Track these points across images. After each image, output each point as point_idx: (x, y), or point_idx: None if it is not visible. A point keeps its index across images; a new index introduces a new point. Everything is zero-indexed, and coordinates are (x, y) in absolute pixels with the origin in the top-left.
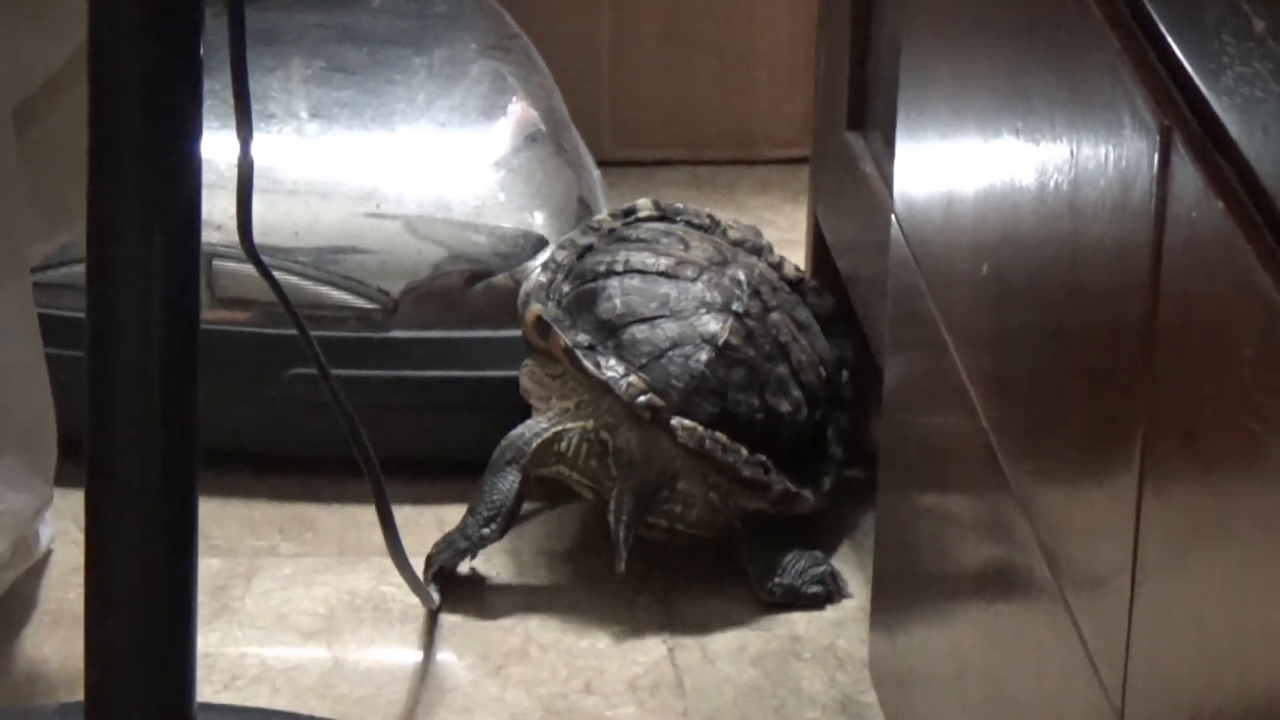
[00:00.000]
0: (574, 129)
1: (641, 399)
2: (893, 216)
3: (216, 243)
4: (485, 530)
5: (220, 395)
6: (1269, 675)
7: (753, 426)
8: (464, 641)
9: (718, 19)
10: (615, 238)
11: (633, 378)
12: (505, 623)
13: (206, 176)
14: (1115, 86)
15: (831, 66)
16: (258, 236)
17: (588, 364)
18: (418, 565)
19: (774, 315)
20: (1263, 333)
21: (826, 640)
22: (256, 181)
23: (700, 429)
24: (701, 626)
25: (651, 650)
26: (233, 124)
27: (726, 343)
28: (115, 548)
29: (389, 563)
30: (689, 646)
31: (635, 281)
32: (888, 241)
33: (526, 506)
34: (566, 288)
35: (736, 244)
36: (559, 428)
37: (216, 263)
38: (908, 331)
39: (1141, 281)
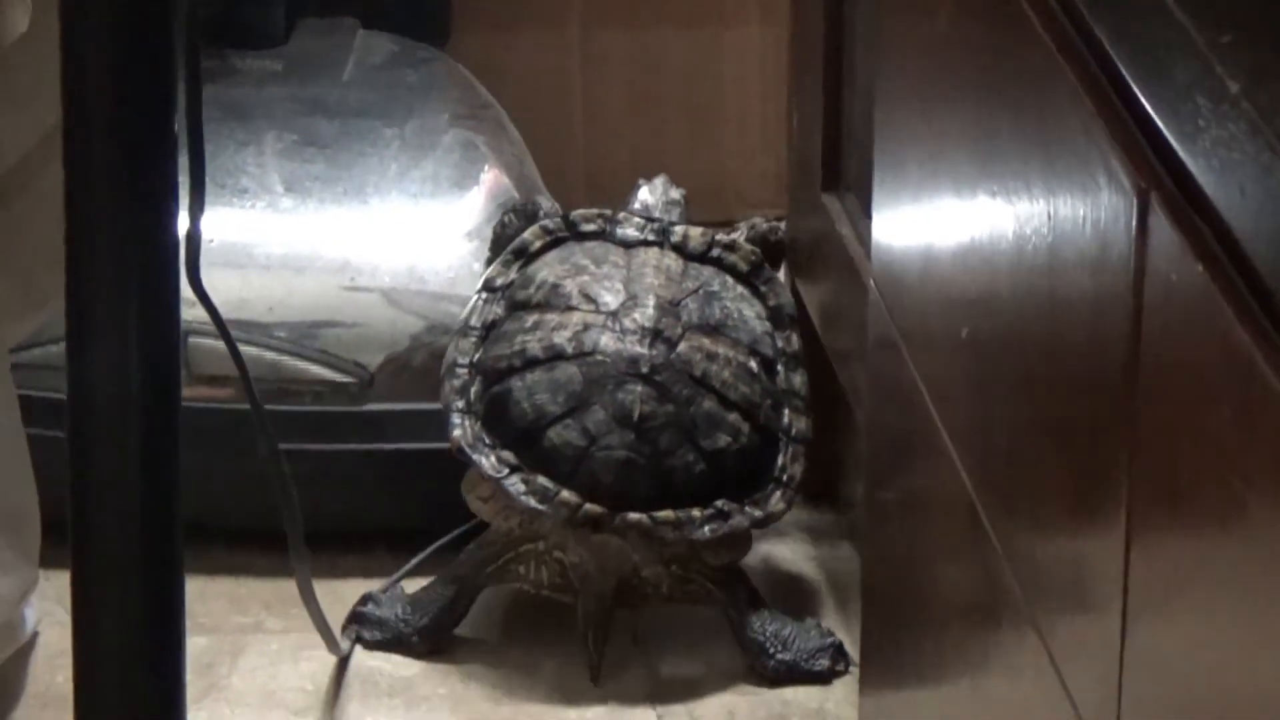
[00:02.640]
0: (548, 195)
1: (580, 513)
2: (870, 278)
3: (192, 320)
4: (416, 639)
5: (201, 472)
6: None
7: (695, 479)
8: (454, 712)
9: (688, 80)
10: (513, 303)
11: (564, 494)
12: (495, 693)
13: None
14: (1091, 148)
15: (805, 127)
16: (233, 312)
17: (514, 493)
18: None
19: (681, 348)
20: (1242, 393)
21: (815, 704)
22: (231, 257)
23: (645, 519)
24: (690, 692)
25: (641, 718)
26: (208, 200)
27: (641, 415)
28: (101, 628)
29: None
30: (678, 713)
31: (536, 375)
32: (865, 302)
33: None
34: (478, 388)
35: (637, 241)
36: (513, 553)
37: (192, 340)
38: (887, 391)
39: (1121, 342)
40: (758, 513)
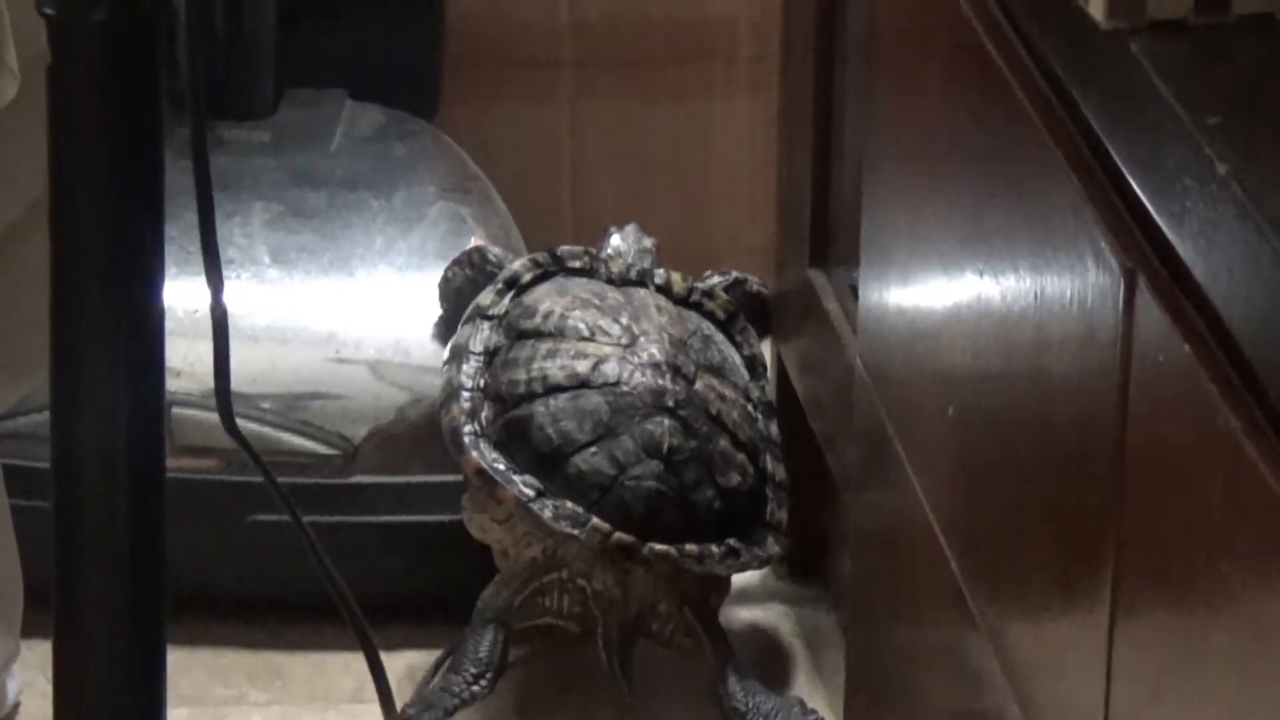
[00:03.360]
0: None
1: (612, 540)
2: (856, 354)
3: (175, 390)
4: (475, 688)
5: (183, 543)
6: None
7: (714, 516)
8: None
9: (676, 154)
10: (516, 331)
11: (595, 520)
12: None
13: (166, 324)
14: (1079, 228)
15: (793, 202)
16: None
17: (545, 517)
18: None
19: (698, 385)
20: (1230, 474)
21: None
22: None
23: (672, 551)
24: None
25: None
26: (192, 270)
27: (670, 447)
28: (84, 699)
29: (359, 709)
30: None
31: (560, 402)
32: (851, 379)
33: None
34: (489, 413)
35: (623, 274)
36: (537, 583)
37: (176, 410)
38: (873, 469)
39: (1108, 422)
40: (761, 553)
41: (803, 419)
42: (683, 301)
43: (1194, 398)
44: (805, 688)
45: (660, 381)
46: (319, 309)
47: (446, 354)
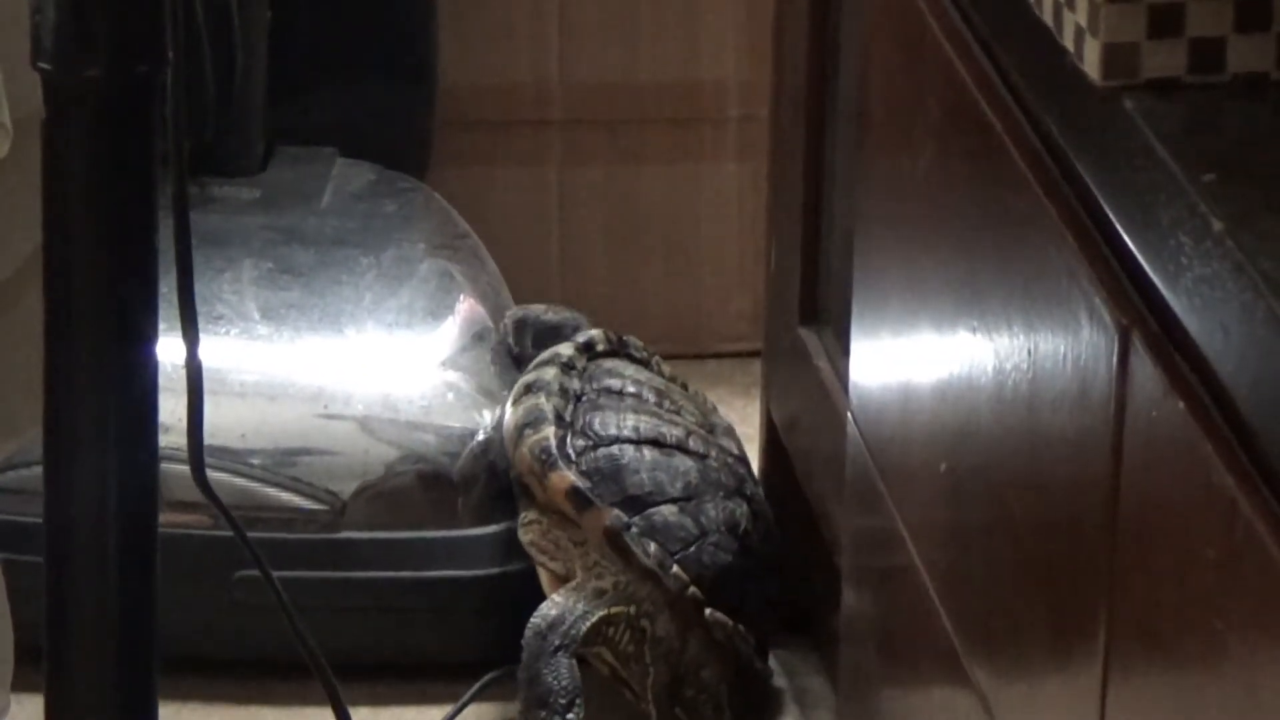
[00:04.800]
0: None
1: (689, 591)
2: (848, 413)
3: (164, 446)
4: (570, 715)
5: (170, 599)
6: None
7: (757, 613)
8: None
9: (665, 217)
10: (599, 385)
11: (676, 569)
12: None
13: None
14: (1073, 286)
15: (783, 261)
16: (205, 438)
17: (636, 550)
18: None
19: (759, 490)
20: (1224, 533)
21: None
22: (205, 383)
23: (730, 623)
24: None
25: None
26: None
27: (745, 530)
28: None
29: None
30: None
31: (655, 455)
32: (843, 438)
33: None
34: (580, 444)
35: (671, 379)
36: (605, 612)
37: (164, 465)
38: (864, 528)
39: (1101, 480)
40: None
41: (793, 478)
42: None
43: (1188, 455)
44: None
45: (740, 471)
46: (308, 365)
47: (520, 388)
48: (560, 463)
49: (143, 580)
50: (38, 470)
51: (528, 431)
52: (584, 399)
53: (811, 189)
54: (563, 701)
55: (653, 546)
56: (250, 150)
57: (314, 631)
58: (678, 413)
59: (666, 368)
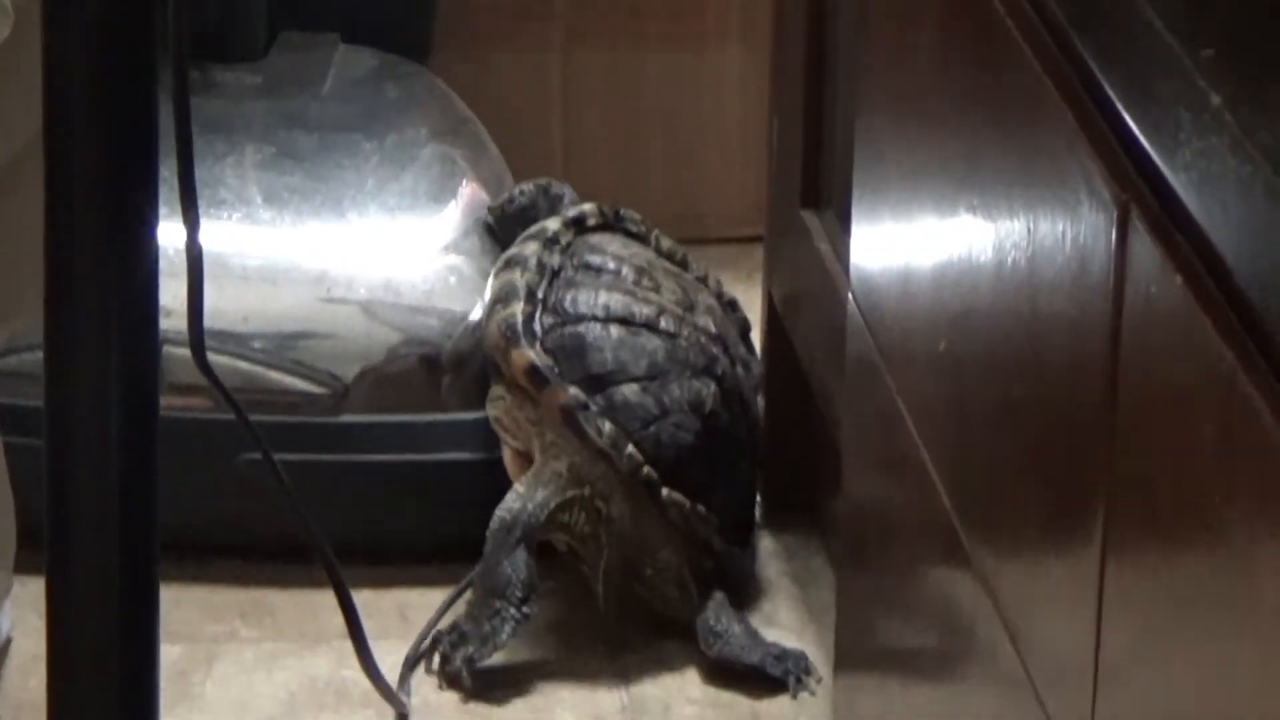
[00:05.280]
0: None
1: (642, 472)
2: (849, 294)
3: (167, 329)
4: (525, 609)
5: (174, 481)
6: None
7: (722, 494)
8: None
9: (668, 100)
10: (579, 262)
11: (631, 449)
12: (469, 706)
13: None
14: (1072, 162)
15: (785, 144)
16: (208, 322)
17: (589, 430)
18: (379, 654)
19: (738, 369)
20: (1222, 407)
21: (788, 718)
22: (208, 268)
23: (688, 504)
24: (663, 706)
25: None
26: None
27: (711, 411)
28: (76, 636)
29: (349, 646)
30: None
31: (621, 333)
32: (844, 319)
33: None
34: (548, 321)
35: (669, 254)
36: (561, 499)
37: (166, 349)
38: (865, 409)
39: (1100, 357)
40: (745, 550)
41: (793, 359)
42: (715, 298)
43: (1187, 332)
44: (795, 627)
45: (713, 350)
46: (311, 249)
47: (501, 263)
48: (523, 340)
49: (144, 463)
50: (39, 354)
51: (498, 307)
52: (561, 275)
53: (813, 71)
54: (519, 595)
55: (608, 426)
56: (252, 35)
57: (316, 515)
58: (655, 290)
59: (667, 241)
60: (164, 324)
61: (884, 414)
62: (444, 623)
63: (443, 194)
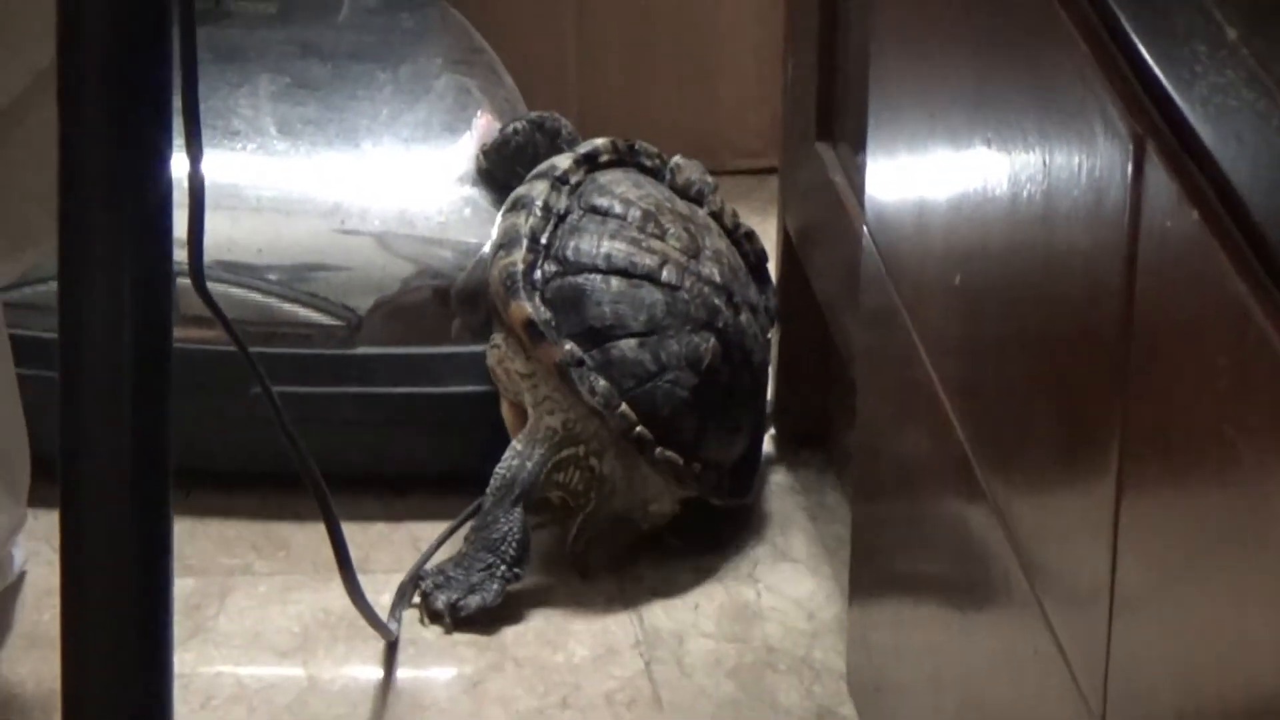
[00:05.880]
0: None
1: (634, 431)
2: (864, 227)
3: (178, 261)
4: (518, 569)
5: (188, 413)
6: (1247, 681)
7: (720, 446)
8: (439, 658)
9: (682, 30)
10: (586, 204)
11: (623, 408)
12: (480, 639)
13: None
14: (1087, 96)
15: (800, 77)
16: (222, 254)
17: (581, 389)
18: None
19: (743, 317)
20: (1237, 340)
21: (802, 652)
22: (221, 199)
23: (681, 461)
24: (677, 639)
25: (628, 664)
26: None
27: (710, 366)
28: (90, 568)
29: (363, 579)
30: (665, 660)
31: (621, 285)
32: (859, 253)
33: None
34: (550, 269)
35: (683, 189)
36: (557, 457)
37: (181, 281)
38: (880, 343)
39: (1115, 290)
40: (747, 500)
41: (808, 292)
42: (728, 234)
43: (1202, 265)
44: (809, 561)
45: (716, 301)
46: (325, 180)
47: (508, 203)
48: (522, 292)
49: (157, 396)
50: (53, 285)
51: (501, 253)
52: (567, 219)
53: (828, 3)
54: (512, 553)
55: (601, 384)
56: None
57: (331, 446)
58: (660, 237)
59: (684, 174)
60: (179, 255)
61: (899, 348)
62: (440, 556)
63: (457, 125)
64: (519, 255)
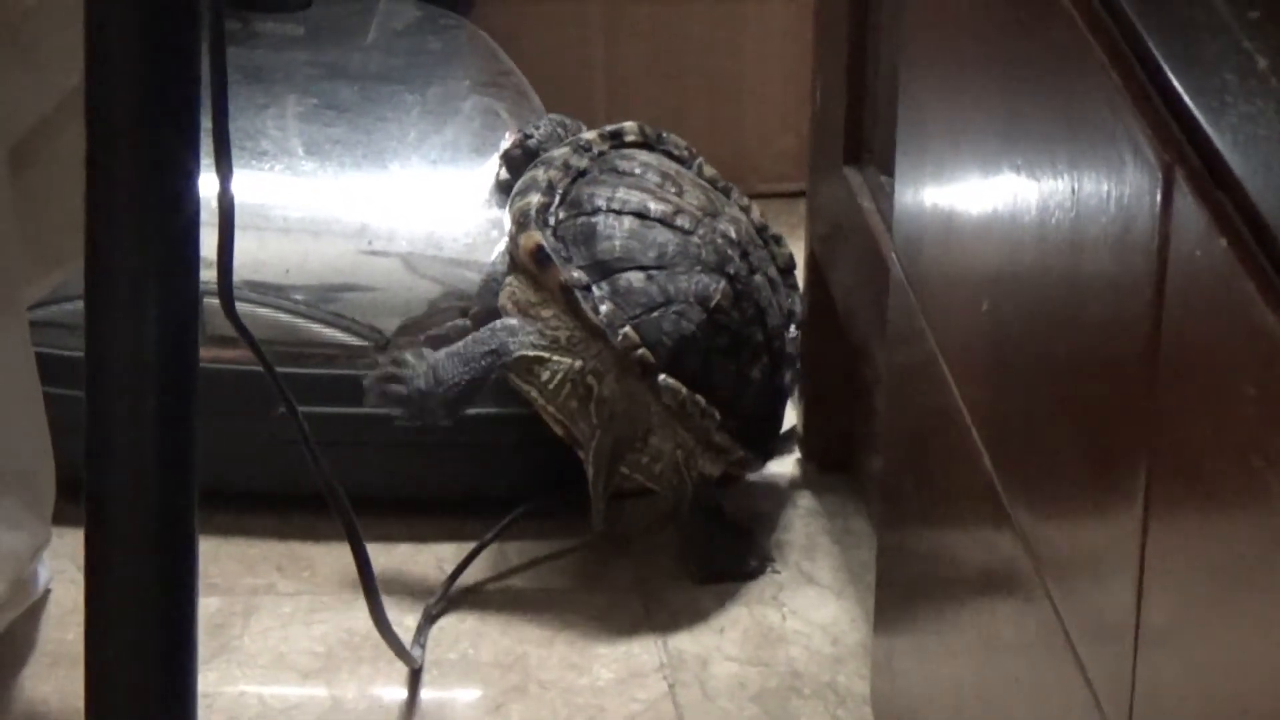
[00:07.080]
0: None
1: (636, 353)
2: (891, 252)
3: (207, 281)
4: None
5: (214, 433)
6: (1275, 714)
7: (727, 391)
8: (463, 680)
9: (710, 53)
10: (607, 166)
11: (628, 329)
12: (504, 660)
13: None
14: (1116, 123)
15: (828, 101)
16: (249, 274)
17: (585, 307)
18: (416, 609)
19: (757, 277)
20: (1265, 370)
21: (827, 677)
22: (249, 220)
23: (683, 390)
24: (701, 663)
25: (652, 687)
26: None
27: (717, 305)
28: (114, 587)
29: (386, 600)
30: (689, 683)
31: (634, 224)
32: (886, 277)
33: (523, 545)
34: (563, 214)
35: (711, 181)
36: (546, 355)
37: (206, 301)
38: (906, 367)
39: (1143, 318)
40: (751, 456)
41: (834, 316)
42: (757, 232)
43: (1230, 294)
44: (835, 585)
45: (729, 251)
46: (352, 201)
47: (533, 165)
48: (534, 225)
49: (183, 415)
50: (79, 305)
51: (517, 199)
52: (586, 175)
53: (856, 27)
54: (452, 396)
55: (606, 306)
56: None
57: (357, 467)
58: (679, 194)
59: (710, 169)
60: (205, 276)
61: (925, 372)
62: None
63: (485, 146)
64: (534, 198)
